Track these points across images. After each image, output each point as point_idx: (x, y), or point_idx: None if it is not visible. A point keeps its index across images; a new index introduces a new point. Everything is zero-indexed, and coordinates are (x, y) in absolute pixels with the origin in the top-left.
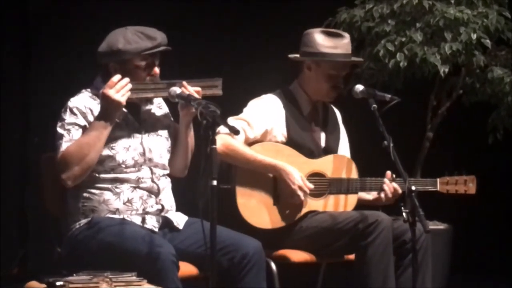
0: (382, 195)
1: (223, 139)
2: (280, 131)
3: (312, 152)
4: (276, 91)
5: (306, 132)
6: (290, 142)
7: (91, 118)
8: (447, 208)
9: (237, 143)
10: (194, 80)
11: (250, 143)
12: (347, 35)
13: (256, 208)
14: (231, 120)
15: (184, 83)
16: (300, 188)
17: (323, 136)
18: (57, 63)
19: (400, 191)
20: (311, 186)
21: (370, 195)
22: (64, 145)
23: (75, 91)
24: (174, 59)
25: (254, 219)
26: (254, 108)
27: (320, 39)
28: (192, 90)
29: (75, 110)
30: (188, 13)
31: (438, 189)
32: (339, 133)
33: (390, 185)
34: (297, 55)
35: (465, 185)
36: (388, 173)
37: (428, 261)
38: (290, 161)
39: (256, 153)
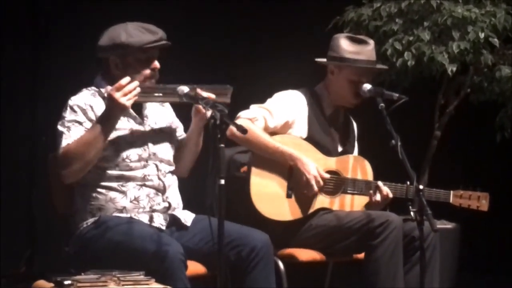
0: (375, 197)
1: (243, 124)
2: (301, 126)
3: (329, 152)
4: (301, 89)
5: (326, 133)
6: (309, 138)
7: (91, 115)
8: (455, 207)
9: (257, 129)
10: (205, 85)
11: (269, 132)
12: (371, 42)
13: (270, 199)
14: (254, 107)
15: (199, 90)
16: (315, 178)
17: (341, 140)
18: (66, 63)
19: (391, 195)
20: (327, 175)
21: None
22: (64, 142)
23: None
24: (182, 59)
25: (267, 209)
26: (278, 99)
27: (344, 44)
28: (205, 95)
29: (75, 108)
30: (196, 12)
31: (451, 201)
32: (355, 142)
33: (383, 190)
34: (324, 60)
35: (478, 201)
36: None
37: (436, 260)
38: (307, 155)
39: (274, 141)
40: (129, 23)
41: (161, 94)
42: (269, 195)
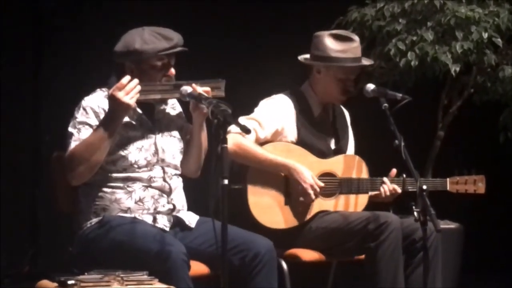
0: (382, 192)
1: (234, 139)
2: (290, 132)
3: (322, 152)
4: (287, 92)
5: (316, 133)
6: (300, 142)
7: None
8: (458, 207)
9: (248, 143)
10: (198, 81)
11: (260, 143)
12: (356, 38)
13: (268, 208)
14: (242, 120)
15: (194, 85)
16: (311, 186)
17: (333, 137)
18: (69, 62)
19: (399, 190)
20: (322, 184)
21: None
22: (73, 144)
23: (86, 90)
24: (180, 60)
25: (266, 219)
26: (265, 108)
27: (330, 43)
28: (201, 90)
29: (88, 109)
30: (196, 13)
31: (448, 189)
32: (348, 134)
33: (389, 185)
34: (307, 56)
35: (474, 184)
36: (393, 171)
37: (438, 260)
38: (301, 161)
39: (267, 153)
40: (146, 28)
41: (159, 91)
42: (267, 204)
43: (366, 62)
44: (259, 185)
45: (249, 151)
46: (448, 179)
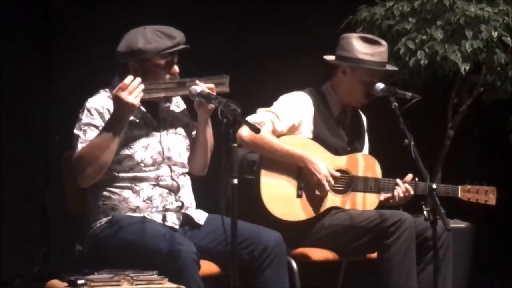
0: (396, 194)
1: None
2: (307, 128)
3: (337, 151)
4: (307, 90)
5: (333, 133)
6: (316, 139)
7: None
8: (468, 207)
9: (265, 133)
10: (202, 77)
11: (277, 135)
12: (384, 43)
13: (281, 200)
14: (261, 111)
15: (197, 81)
16: (326, 178)
17: (349, 138)
18: (79, 63)
19: (412, 192)
20: (337, 174)
21: (382, 196)
22: (80, 146)
23: (96, 90)
24: (189, 58)
25: (279, 210)
26: (284, 102)
27: (358, 45)
28: (205, 87)
29: (92, 111)
30: (208, 11)
31: (459, 196)
32: (364, 137)
33: (403, 186)
34: (333, 58)
35: (485, 195)
36: (409, 176)
37: (449, 260)
38: (315, 155)
39: (283, 143)
40: (148, 27)
41: (163, 90)
42: (280, 196)
43: (390, 67)
44: (272, 177)
45: (265, 140)
46: (460, 187)
